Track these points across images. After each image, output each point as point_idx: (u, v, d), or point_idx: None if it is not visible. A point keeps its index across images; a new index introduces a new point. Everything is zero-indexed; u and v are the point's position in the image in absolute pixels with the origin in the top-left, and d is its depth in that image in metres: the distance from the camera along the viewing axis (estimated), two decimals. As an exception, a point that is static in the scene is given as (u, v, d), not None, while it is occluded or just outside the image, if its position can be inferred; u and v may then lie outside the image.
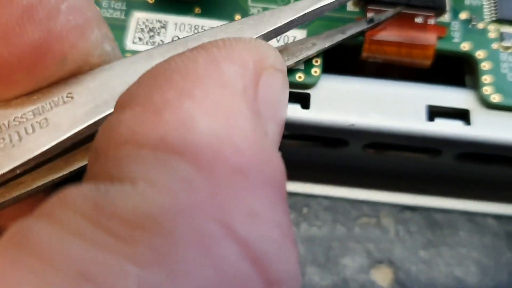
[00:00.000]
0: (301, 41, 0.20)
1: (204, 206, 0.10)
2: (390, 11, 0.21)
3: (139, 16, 0.21)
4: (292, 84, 0.20)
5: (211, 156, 0.10)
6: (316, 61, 0.21)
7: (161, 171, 0.10)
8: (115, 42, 0.15)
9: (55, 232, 0.09)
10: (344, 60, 0.21)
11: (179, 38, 0.19)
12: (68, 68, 0.13)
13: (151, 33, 0.21)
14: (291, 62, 0.20)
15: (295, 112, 0.20)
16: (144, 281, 0.09)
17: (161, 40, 0.21)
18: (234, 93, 0.11)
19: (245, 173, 0.10)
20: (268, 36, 0.16)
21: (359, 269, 0.23)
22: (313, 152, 0.23)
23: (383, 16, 0.21)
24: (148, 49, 0.15)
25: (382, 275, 0.23)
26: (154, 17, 0.21)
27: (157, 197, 0.10)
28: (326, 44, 0.20)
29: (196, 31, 0.21)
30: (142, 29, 0.21)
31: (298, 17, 0.16)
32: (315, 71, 0.21)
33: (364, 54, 0.21)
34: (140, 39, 0.21)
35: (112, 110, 0.13)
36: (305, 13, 0.16)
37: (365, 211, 0.24)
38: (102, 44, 0.14)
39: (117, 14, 0.21)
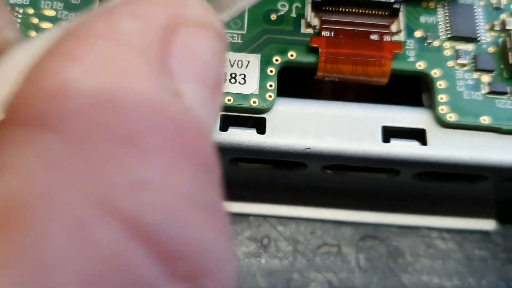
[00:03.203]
0: None
1: (72, 186, 0.08)
2: None
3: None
4: (247, 109, 0.20)
5: (86, 124, 0.09)
6: (271, 85, 0.20)
7: (24, 152, 0.08)
8: (17, 29, 0.13)
9: None
10: (299, 82, 0.21)
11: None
12: None
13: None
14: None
15: (251, 137, 0.20)
16: (10, 284, 0.07)
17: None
18: (128, 50, 0.10)
19: (132, 139, 0.09)
20: None
21: (320, 299, 0.23)
22: (273, 174, 0.23)
23: None
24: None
25: (343, 305, 0.23)
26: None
27: (15, 185, 0.08)
28: None
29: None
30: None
31: None
32: (270, 95, 0.20)
33: (320, 73, 0.21)
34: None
35: None
36: None
37: (326, 240, 0.24)
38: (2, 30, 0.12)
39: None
